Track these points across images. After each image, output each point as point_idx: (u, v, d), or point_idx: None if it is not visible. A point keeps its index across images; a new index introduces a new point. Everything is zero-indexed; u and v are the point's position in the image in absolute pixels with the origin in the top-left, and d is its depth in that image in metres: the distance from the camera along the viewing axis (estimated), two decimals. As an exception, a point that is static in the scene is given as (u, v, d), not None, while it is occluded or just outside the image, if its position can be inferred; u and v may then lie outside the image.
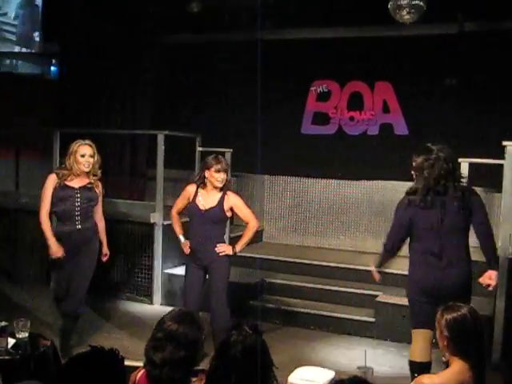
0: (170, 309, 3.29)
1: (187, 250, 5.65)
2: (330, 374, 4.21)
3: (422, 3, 6.56)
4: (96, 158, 5.73)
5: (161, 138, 7.75)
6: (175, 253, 7.86)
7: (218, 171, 5.53)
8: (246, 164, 8.37)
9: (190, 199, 5.66)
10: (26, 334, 4.42)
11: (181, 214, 5.88)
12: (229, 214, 5.68)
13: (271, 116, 8.64)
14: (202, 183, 5.62)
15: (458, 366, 3.18)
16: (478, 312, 3.34)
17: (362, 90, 8.56)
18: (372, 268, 5.02)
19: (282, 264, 7.84)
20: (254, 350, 2.73)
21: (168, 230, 7.74)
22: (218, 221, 5.63)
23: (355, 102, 8.59)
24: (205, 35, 8.93)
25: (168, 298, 7.62)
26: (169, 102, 9.47)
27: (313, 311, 7.01)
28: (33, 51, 8.52)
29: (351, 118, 8.64)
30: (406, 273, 6.84)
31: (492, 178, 6.85)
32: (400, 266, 7.40)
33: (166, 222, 7.74)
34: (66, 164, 5.65)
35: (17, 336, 4.38)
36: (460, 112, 7.82)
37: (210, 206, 5.56)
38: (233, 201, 5.63)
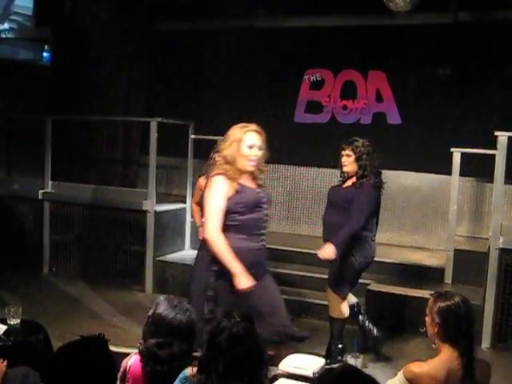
0: (160, 296, 3.27)
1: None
2: (321, 362, 4.24)
3: (416, -8, 6.55)
4: (264, 150, 4.31)
5: (154, 125, 7.75)
6: (167, 240, 7.90)
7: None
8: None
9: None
10: (18, 321, 4.43)
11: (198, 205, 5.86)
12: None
13: (264, 104, 8.63)
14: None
15: (447, 353, 3.21)
16: (469, 301, 3.37)
17: (356, 78, 8.55)
18: None
19: (273, 252, 7.79)
20: (241, 338, 2.71)
21: (160, 218, 7.78)
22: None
23: (348, 91, 8.58)
24: (199, 22, 8.90)
25: (160, 286, 7.62)
26: (162, 89, 9.44)
27: (304, 299, 7.04)
28: (25, 37, 8.46)
29: (344, 107, 8.63)
30: (403, 262, 7.00)
31: (483, 168, 6.88)
32: (393, 255, 7.47)
33: (158, 209, 7.75)
34: (224, 156, 4.20)
35: (8, 322, 4.39)
36: (453, 102, 7.82)
37: None
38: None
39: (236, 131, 4.23)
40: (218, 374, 2.65)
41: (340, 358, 5.35)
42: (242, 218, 4.11)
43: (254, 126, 4.25)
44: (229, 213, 4.09)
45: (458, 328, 3.21)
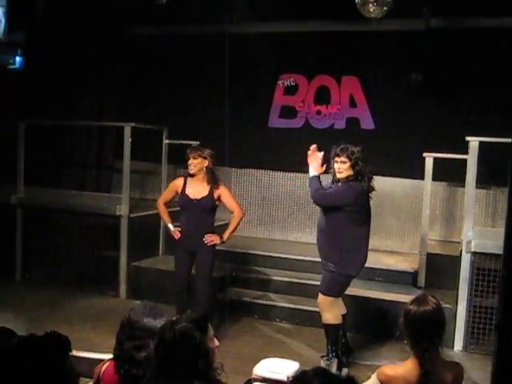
0: (136, 302, 3.26)
1: (178, 235, 6.01)
2: (295, 366, 4.23)
3: (389, -1, 6.61)
4: None
5: (128, 130, 7.72)
6: (141, 245, 7.86)
7: (189, 158, 5.88)
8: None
9: (179, 191, 6.03)
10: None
11: (166, 205, 6.22)
12: (217, 202, 6.01)
13: (239, 109, 8.65)
14: (189, 174, 5.97)
15: (416, 356, 3.21)
16: (440, 312, 3.25)
17: (329, 84, 8.60)
18: None
19: (248, 257, 7.85)
20: (163, 337, 2.70)
21: (134, 223, 7.74)
22: (209, 209, 5.96)
23: (322, 96, 8.63)
24: (173, 28, 8.88)
25: (134, 291, 7.58)
26: (136, 94, 9.40)
27: (279, 304, 7.05)
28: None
29: (318, 112, 8.68)
30: (376, 266, 7.01)
31: (455, 173, 6.96)
32: (371, 260, 7.49)
33: (132, 215, 7.72)
34: None
35: (-20, 329, 4.34)
36: (425, 107, 7.91)
37: (202, 196, 5.91)
38: (221, 190, 5.98)
39: None
40: (154, 372, 2.67)
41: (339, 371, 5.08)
42: None
43: None
44: None
45: (412, 335, 3.19)
